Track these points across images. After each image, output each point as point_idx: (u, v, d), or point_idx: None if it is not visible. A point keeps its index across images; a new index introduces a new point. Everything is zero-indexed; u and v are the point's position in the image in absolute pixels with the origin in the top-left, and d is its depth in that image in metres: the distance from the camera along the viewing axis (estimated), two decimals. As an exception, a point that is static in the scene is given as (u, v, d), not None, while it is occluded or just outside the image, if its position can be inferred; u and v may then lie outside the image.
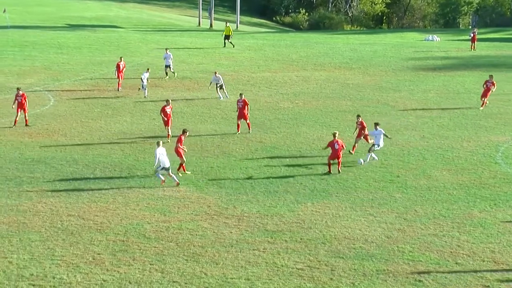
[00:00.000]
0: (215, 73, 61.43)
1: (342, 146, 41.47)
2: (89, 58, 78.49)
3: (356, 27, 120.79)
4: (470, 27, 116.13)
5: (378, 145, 43.63)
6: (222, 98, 60.51)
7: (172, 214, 34.76)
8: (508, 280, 28.05)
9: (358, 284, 27.58)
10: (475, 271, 28.80)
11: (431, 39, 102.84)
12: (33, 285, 27.11)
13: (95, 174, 40.59)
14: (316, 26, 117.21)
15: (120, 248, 30.60)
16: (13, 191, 37.66)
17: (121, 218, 33.99)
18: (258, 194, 37.72)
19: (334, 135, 41.56)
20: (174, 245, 30.95)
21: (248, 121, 50.08)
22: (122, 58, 65.39)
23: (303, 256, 30.03)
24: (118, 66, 63.43)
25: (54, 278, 27.72)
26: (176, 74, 69.05)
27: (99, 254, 29.97)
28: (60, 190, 37.82)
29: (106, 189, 38.22)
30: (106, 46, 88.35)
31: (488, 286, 27.55)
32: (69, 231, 32.34)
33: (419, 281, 27.84)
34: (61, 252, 30.13)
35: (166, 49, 70.82)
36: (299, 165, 42.80)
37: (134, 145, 46.45)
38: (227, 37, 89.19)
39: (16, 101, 51.05)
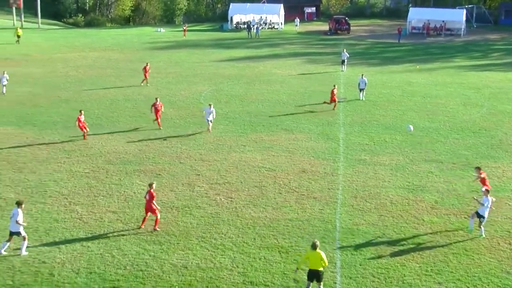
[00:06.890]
0: None
1: (152, 196, 22.09)
2: None
3: (114, 24, 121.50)
4: (182, 22, 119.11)
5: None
6: None
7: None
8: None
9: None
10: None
11: (159, 30, 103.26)
12: None
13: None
14: (89, 24, 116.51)
15: None
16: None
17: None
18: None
19: None
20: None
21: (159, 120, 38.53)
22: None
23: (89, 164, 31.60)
24: None
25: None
26: None
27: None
28: None
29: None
30: None
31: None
32: None
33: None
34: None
35: None
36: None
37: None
38: (18, 36, 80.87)
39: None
